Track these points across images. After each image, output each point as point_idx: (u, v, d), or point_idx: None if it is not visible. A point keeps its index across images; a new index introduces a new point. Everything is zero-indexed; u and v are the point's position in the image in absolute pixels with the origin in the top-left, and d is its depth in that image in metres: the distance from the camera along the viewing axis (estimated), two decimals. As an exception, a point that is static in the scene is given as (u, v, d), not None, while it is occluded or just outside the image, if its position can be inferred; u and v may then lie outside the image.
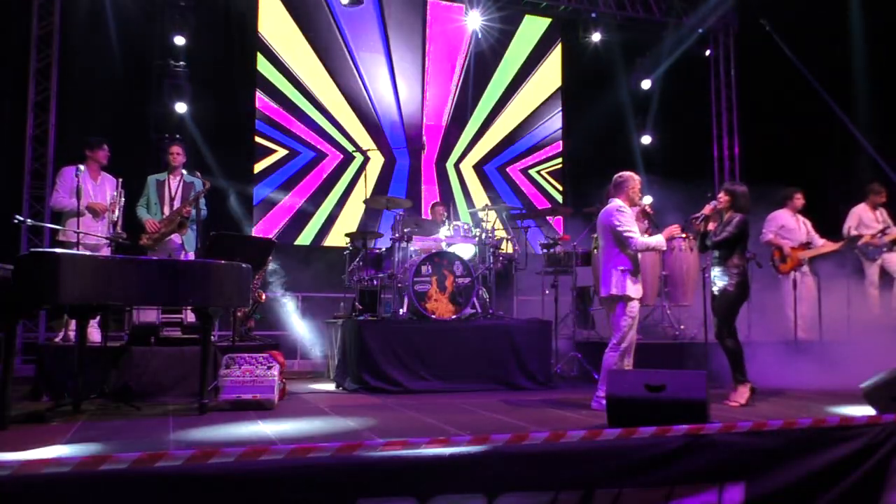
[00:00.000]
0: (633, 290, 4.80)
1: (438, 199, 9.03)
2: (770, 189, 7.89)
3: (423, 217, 8.14)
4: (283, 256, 8.24)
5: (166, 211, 6.13)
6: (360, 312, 6.51)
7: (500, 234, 7.12)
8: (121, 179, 6.03)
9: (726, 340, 5.04)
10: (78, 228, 5.50)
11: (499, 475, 3.01)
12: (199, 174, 6.09)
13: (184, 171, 6.28)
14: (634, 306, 4.81)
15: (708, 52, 11.42)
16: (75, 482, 2.51)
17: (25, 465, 2.48)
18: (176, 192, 6.16)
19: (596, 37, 10.81)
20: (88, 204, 5.77)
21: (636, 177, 5.02)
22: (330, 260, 8.89)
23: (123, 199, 5.90)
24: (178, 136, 8.65)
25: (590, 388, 5.96)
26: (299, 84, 9.68)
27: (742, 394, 4.92)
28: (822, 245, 7.38)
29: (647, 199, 5.05)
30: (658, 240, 4.91)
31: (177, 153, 6.25)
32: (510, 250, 7.12)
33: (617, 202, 4.93)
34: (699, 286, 7.09)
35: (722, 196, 5.16)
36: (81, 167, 5.80)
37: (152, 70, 8.77)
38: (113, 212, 5.88)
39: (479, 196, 10.28)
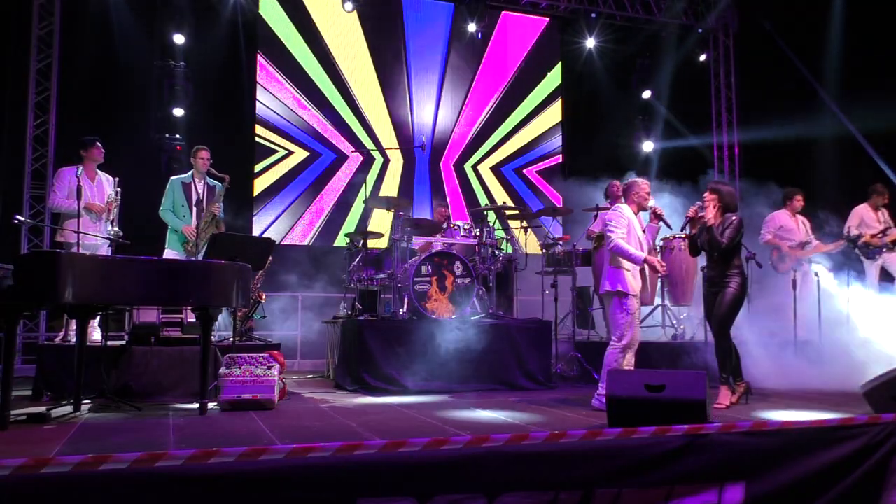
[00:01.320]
0: (629, 285, 4.78)
1: (441, 202, 9.05)
2: (770, 189, 7.90)
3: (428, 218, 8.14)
4: (284, 256, 8.25)
5: (195, 212, 6.13)
6: (360, 312, 6.51)
7: (500, 234, 7.12)
8: (118, 178, 6.03)
9: (726, 340, 5.03)
10: (76, 228, 5.50)
11: (499, 475, 3.01)
12: (214, 171, 6.10)
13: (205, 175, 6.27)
14: (631, 302, 4.80)
15: (703, 57, 11.37)
16: (75, 482, 2.52)
17: (25, 465, 2.48)
18: (203, 195, 6.14)
19: (595, 37, 10.82)
20: (85, 204, 5.76)
21: (642, 181, 5.02)
22: (330, 259, 8.90)
23: (120, 197, 5.90)
24: (178, 136, 8.66)
25: (590, 387, 5.96)
26: (303, 83, 9.69)
27: (725, 395, 4.90)
28: (821, 244, 7.38)
29: (651, 202, 5.01)
30: (637, 253, 4.78)
31: (205, 157, 6.20)
32: (510, 250, 7.13)
33: (618, 205, 4.99)
34: (698, 286, 7.10)
35: (708, 195, 5.08)
36: (80, 168, 5.80)
37: (153, 70, 8.76)
38: (110, 211, 5.89)
39: (484, 198, 10.32)
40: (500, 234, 7.11)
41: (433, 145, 10.22)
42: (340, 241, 9.50)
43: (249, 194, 9.31)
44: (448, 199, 9.94)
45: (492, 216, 7.11)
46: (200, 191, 6.15)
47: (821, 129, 9.32)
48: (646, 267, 4.93)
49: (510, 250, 6.71)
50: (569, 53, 11.03)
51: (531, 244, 8.08)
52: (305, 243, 9.54)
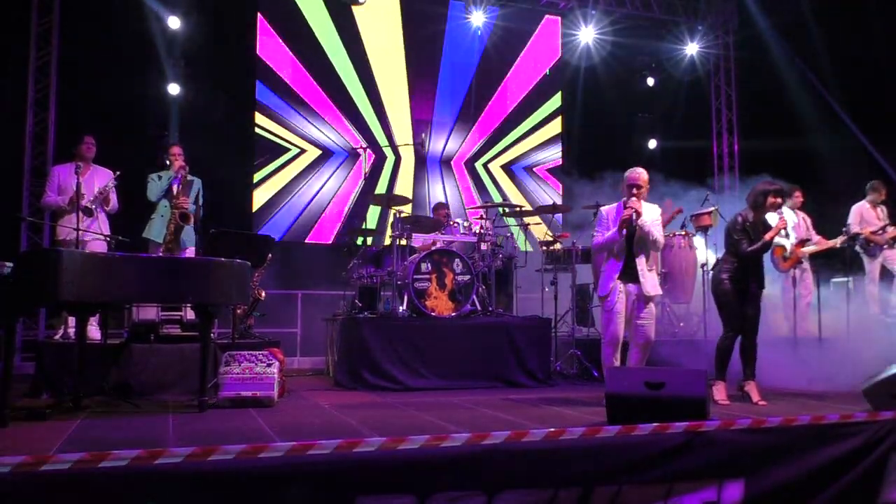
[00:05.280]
0: (602, 286, 4.88)
1: (442, 201, 9.05)
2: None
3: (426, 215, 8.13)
4: (283, 253, 8.24)
5: (170, 206, 6.12)
6: (359, 310, 6.51)
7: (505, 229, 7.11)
8: (118, 172, 6.03)
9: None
10: (70, 225, 5.51)
11: (498, 473, 3.02)
12: (185, 167, 6.11)
13: (184, 170, 6.25)
14: (608, 300, 4.82)
15: (697, 49, 11.35)
16: (75, 480, 2.52)
17: (25, 462, 2.48)
18: (178, 191, 6.13)
19: (595, 35, 10.81)
20: (69, 199, 5.78)
21: (627, 174, 4.92)
22: (329, 257, 8.90)
23: (112, 188, 5.91)
24: (176, 133, 8.66)
25: (589, 385, 5.98)
26: (304, 80, 9.67)
27: (756, 391, 4.91)
28: (822, 241, 7.37)
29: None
30: (608, 234, 4.84)
31: (177, 154, 6.21)
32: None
33: (601, 209, 5.01)
34: (699, 284, 7.09)
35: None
36: (80, 165, 5.80)
37: (153, 67, 8.75)
38: (107, 205, 5.89)
39: (485, 195, 10.32)
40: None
41: (433, 144, 10.21)
42: (340, 238, 9.51)
43: (249, 191, 9.31)
44: (448, 198, 9.94)
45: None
46: (175, 186, 6.13)
47: (820, 126, 9.32)
48: (638, 261, 4.87)
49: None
50: (569, 51, 11.03)
51: (530, 242, 8.08)
52: (305, 240, 9.54)
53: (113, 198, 6.05)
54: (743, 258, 4.90)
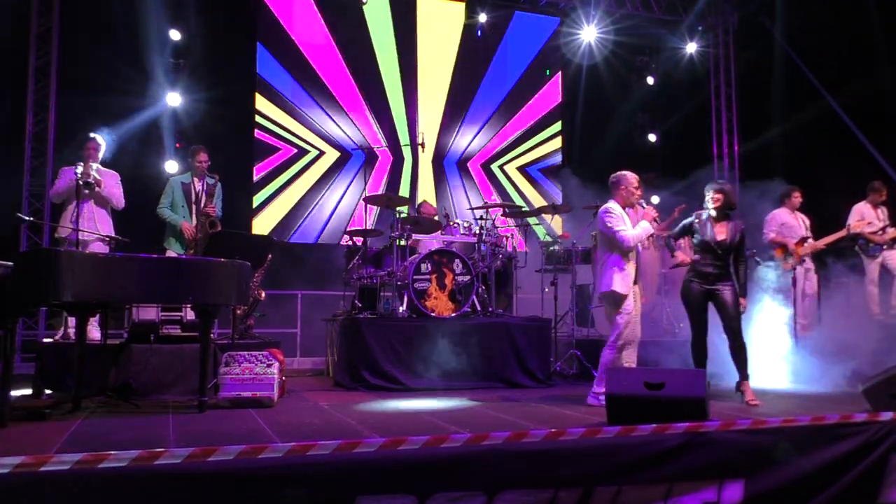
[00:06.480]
0: (620, 286, 4.79)
1: (432, 200, 9.04)
2: (769, 187, 7.89)
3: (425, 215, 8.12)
4: (283, 254, 8.25)
5: (194, 212, 6.14)
6: (359, 310, 6.51)
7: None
8: (116, 174, 6.04)
9: (742, 337, 4.98)
10: (71, 225, 5.50)
11: (498, 473, 3.02)
12: (215, 175, 6.12)
13: (213, 178, 6.26)
14: (625, 302, 4.80)
15: (702, 52, 11.36)
16: (75, 480, 2.52)
17: (25, 462, 2.49)
18: (202, 194, 6.15)
19: (596, 34, 10.81)
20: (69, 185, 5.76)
21: (630, 175, 4.95)
22: (330, 257, 8.90)
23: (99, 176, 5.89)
24: (176, 134, 8.67)
25: (589, 385, 5.97)
26: (305, 78, 9.69)
27: (751, 391, 4.90)
28: (820, 238, 7.34)
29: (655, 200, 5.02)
30: (643, 226, 4.85)
31: (203, 161, 6.22)
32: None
33: (608, 205, 4.93)
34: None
35: (717, 195, 5.05)
36: (80, 165, 5.80)
37: (152, 66, 8.75)
38: (100, 186, 5.86)
39: (503, 196, 10.36)
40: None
41: (434, 144, 10.21)
42: (340, 238, 9.51)
43: (249, 192, 9.31)
44: (469, 199, 9.98)
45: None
46: (199, 190, 6.17)
47: (820, 126, 9.31)
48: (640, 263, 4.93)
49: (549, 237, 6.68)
50: (569, 50, 11.03)
51: (531, 242, 8.09)
52: (305, 241, 9.54)
53: (118, 193, 6.03)
54: (704, 255, 4.99)
